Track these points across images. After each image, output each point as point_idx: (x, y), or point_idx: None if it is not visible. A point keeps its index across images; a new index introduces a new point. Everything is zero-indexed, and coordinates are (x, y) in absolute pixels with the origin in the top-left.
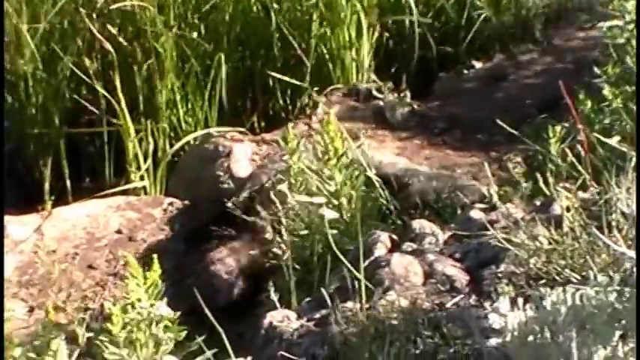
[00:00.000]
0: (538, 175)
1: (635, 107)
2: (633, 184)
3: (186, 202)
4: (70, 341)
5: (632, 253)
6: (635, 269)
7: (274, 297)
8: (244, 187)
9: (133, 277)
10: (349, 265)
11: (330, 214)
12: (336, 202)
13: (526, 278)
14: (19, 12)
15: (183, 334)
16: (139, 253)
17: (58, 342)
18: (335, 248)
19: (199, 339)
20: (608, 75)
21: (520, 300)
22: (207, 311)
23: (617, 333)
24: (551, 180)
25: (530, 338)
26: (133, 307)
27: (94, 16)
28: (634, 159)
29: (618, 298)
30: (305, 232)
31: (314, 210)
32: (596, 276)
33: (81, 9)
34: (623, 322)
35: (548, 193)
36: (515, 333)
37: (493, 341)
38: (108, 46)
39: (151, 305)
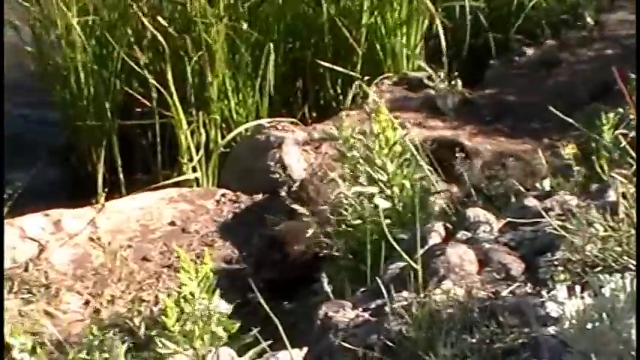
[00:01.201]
0: (590, 164)
1: None
2: None
3: (239, 192)
4: (126, 333)
5: None
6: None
7: (327, 288)
8: (297, 176)
9: (185, 270)
10: (404, 255)
11: (383, 203)
12: (388, 191)
13: (582, 265)
14: (69, 5)
15: (236, 326)
16: (192, 245)
17: (111, 337)
18: (390, 237)
19: (254, 331)
20: None
21: (577, 287)
22: (262, 302)
23: None
24: (605, 167)
25: (589, 326)
26: (186, 300)
27: (144, 8)
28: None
29: None
30: (357, 221)
31: (366, 200)
32: None
33: (130, 1)
34: None
35: (602, 179)
36: (574, 321)
37: (550, 329)
38: (159, 37)
39: (204, 298)
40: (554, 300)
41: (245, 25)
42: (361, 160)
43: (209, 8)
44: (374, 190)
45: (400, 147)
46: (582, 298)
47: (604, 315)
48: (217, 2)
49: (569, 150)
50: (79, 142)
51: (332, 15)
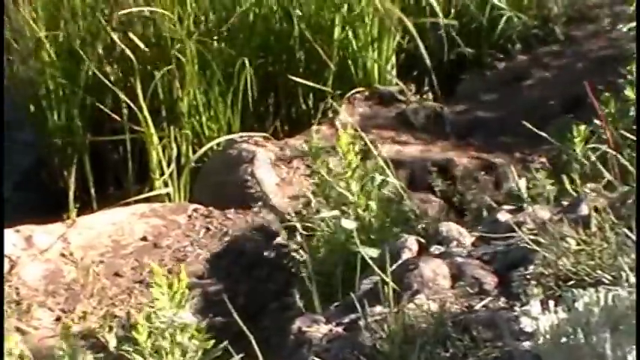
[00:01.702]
0: (564, 176)
1: None
2: None
3: (211, 207)
4: (98, 349)
5: None
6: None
7: (299, 303)
8: (269, 191)
9: (158, 285)
10: (377, 269)
11: (349, 224)
12: (353, 213)
13: (555, 279)
14: (37, 20)
15: (210, 342)
16: (164, 260)
17: (83, 352)
18: (363, 252)
19: (223, 344)
20: (632, 74)
21: (551, 302)
22: (236, 316)
23: None
24: (577, 180)
25: (563, 340)
26: (158, 315)
27: (114, 23)
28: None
29: None
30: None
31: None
32: (629, 276)
33: (99, 16)
34: None
35: (574, 193)
36: (548, 336)
37: (525, 344)
38: (129, 52)
39: (175, 314)
40: (528, 315)
41: (215, 41)
42: (329, 179)
43: (179, 24)
44: (337, 213)
45: (370, 164)
46: (556, 312)
47: (578, 329)
48: (187, 17)
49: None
50: (50, 157)
51: (303, 30)
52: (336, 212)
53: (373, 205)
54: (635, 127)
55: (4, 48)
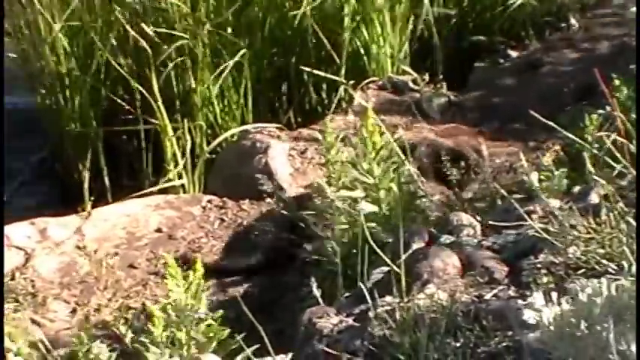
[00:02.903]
0: (574, 165)
1: None
2: None
3: (225, 198)
4: (113, 341)
5: None
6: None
7: (317, 292)
8: (283, 181)
9: (173, 277)
10: (387, 260)
11: (368, 207)
12: (375, 195)
13: (565, 268)
14: (52, 11)
15: (225, 333)
16: (179, 252)
17: (98, 345)
18: (372, 242)
19: (239, 337)
20: None
21: (554, 294)
22: (245, 309)
23: None
24: (589, 168)
25: (567, 331)
26: (173, 307)
27: (127, 14)
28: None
29: None
30: (344, 226)
31: (353, 204)
32: (631, 266)
33: (115, 6)
34: None
35: (585, 182)
36: (552, 327)
37: (533, 334)
38: (143, 43)
39: (191, 305)
40: (532, 307)
41: (228, 30)
42: (347, 165)
43: (192, 14)
44: (359, 194)
45: (387, 151)
46: (559, 304)
47: (581, 320)
48: (200, 8)
49: (547, 158)
50: (64, 149)
51: (314, 20)
52: (358, 192)
53: (394, 187)
54: None
55: (4, 48)
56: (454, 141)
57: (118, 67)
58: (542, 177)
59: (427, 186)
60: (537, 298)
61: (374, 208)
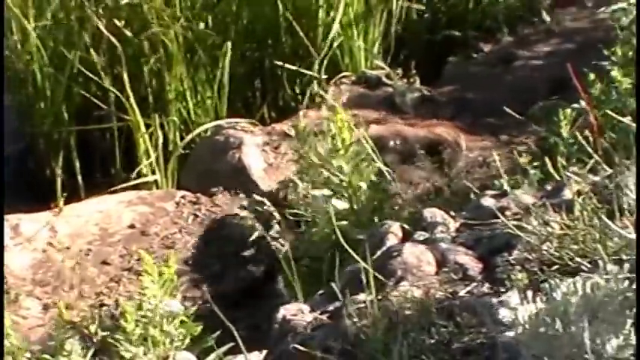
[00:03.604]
0: (548, 160)
1: None
2: None
3: (199, 194)
4: (85, 339)
5: None
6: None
7: (284, 291)
8: (256, 177)
9: (147, 273)
10: (358, 258)
11: (339, 204)
12: (345, 193)
13: (539, 264)
14: (24, 8)
15: (198, 329)
16: (152, 248)
17: (71, 342)
18: (342, 241)
19: (214, 335)
20: (617, 56)
21: (529, 292)
22: (216, 309)
23: (630, 321)
24: (563, 163)
25: (542, 330)
26: (147, 303)
27: (100, 10)
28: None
29: (629, 286)
30: (315, 223)
31: (325, 201)
32: (606, 264)
33: (86, 3)
34: (634, 309)
35: (558, 177)
36: (527, 326)
37: (506, 334)
38: (114, 40)
39: (165, 302)
40: (507, 306)
41: (202, 26)
42: (317, 161)
43: (165, 9)
44: (329, 192)
45: (356, 148)
46: (535, 302)
47: (557, 319)
48: (173, 3)
49: (524, 159)
50: (37, 146)
51: (287, 14)
52: (327, 191)
53: (364, 185)
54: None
55: (4, 48)
56: (427, 135)
57: (84, 70)
58: (514, 175)
59: (401, 181)
60: (512, 296)
61: (345, 206)
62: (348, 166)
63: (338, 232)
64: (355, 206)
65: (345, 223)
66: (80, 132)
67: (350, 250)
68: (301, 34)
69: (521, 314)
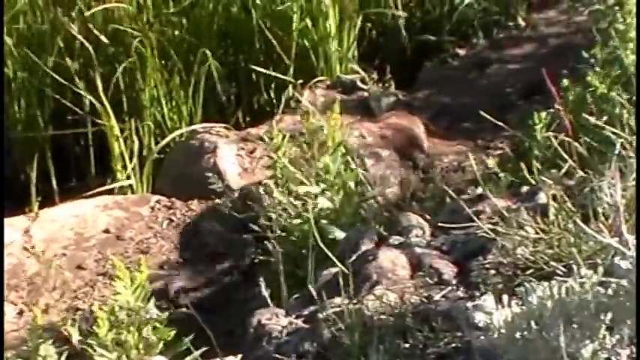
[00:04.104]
0: (523, 164)
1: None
2: (616, 172)
3: (174, 199)
4: (61, 343)
5: (616, 243)
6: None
7: (265, 292)
8: (231, 181)
9: (120, 279)
10: (335, 260)
11: (325, 203)
12: (328, 192)
13: (513, 269)
14: None
15: (172, 334)
16: (127, 253)
17: (46, 347)
18: (321, 243)
19: (188, 339)
20: (596, 59)
21: (505, 297)
22: (194, 312)
23: (604, 325)
24: (538, 167)
25: (518, 335)
26: (121, 308)
27: (73, 15)
28: (617, 145)
29: (604, 291)
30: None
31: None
32: (580, 269)
33: (59, 9)
34: (609, 313)
35: (533, 181)
36: (503, 330)
37: (482, 338)
38: (88, 45)
39: (139, 307)
40: (482, 310)
41: (176, 31)
42: (293, 164)
43: (138, 15)
44: (317, 189)
45: (344, 148)
46: (510, 306)
47: (532, 323)
48: (147, 8)
49: (491, 161)
50: (11, 151)
51: (263, 19)
52: (316, 189)
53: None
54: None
55: (3, 48)
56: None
57: (55, 75)
58: (489, 179)
59: (376, 185)
60: (488, 300)
61: (329, 204)
62: (334, 165)
63: (316, 234)
64: (336, 205)
65: (325, 222)
66: (55, 136)
67: (327, 252)
68: (274, 41)
69: (496, 318)
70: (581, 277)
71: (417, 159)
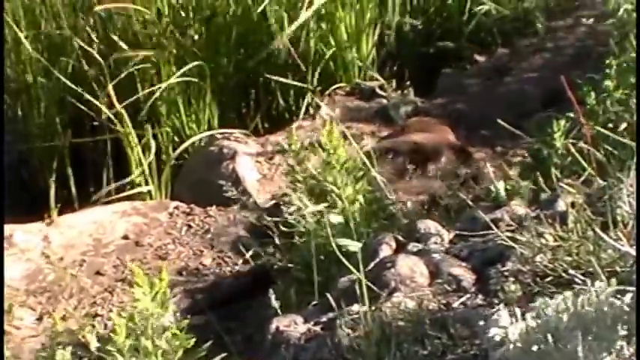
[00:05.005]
0: (542, 172)
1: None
2: (634, 179)
3: (192, 205)
4: (79, 349)
5: (634, 252)
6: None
7: (275, 304)
8: (250, 188)
9: (139, 285)
10: (352, 268)
11: (335, 218)
12: (340, 205)
13: (532, 276)
14: (18, 20)
15: (191, 342)
16: (146, 259)
17: (63, 353)
18: (338, 252)
19: (206, 345)
20: (611, 67)
21: (519, 310)
22: (212, 319)
23: (621, 336)
24: (557, 175)
25: (534, 348)
26: (139, 315)
27: (92, 21)
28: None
29: (620, 300)
30: (309, 234)
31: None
32: (596, 280)
33: (80, 14)
34: (626, 325)
35: (551, 189)
36: (518, 343)
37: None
38: (97, 56)
39: (157, 314)
40: (497, 325)
41: (195, 37)
42: (313, 173)
43: (157, 21)
44: (322, 207)
45: (352, 162)
46: (524, 319)
47: (548, 335)
48: (166, 15)
49: (512, 170)
50: (30, 157)
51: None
52: (321, 206)
53: (361, 198)
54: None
55: (4, 48)
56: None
57: (72, 85)
58: (508, 186)
59: (396, 193)
60: (503, 314)
61: (340, 219)
62: (341, 180)
63: (333, 244)
64: (350, 220)
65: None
66: (73, 143)
67: (344, 261)
68: (292, 50)
69: (511, 332)
70: (597, 289)
71: (436, 166)
